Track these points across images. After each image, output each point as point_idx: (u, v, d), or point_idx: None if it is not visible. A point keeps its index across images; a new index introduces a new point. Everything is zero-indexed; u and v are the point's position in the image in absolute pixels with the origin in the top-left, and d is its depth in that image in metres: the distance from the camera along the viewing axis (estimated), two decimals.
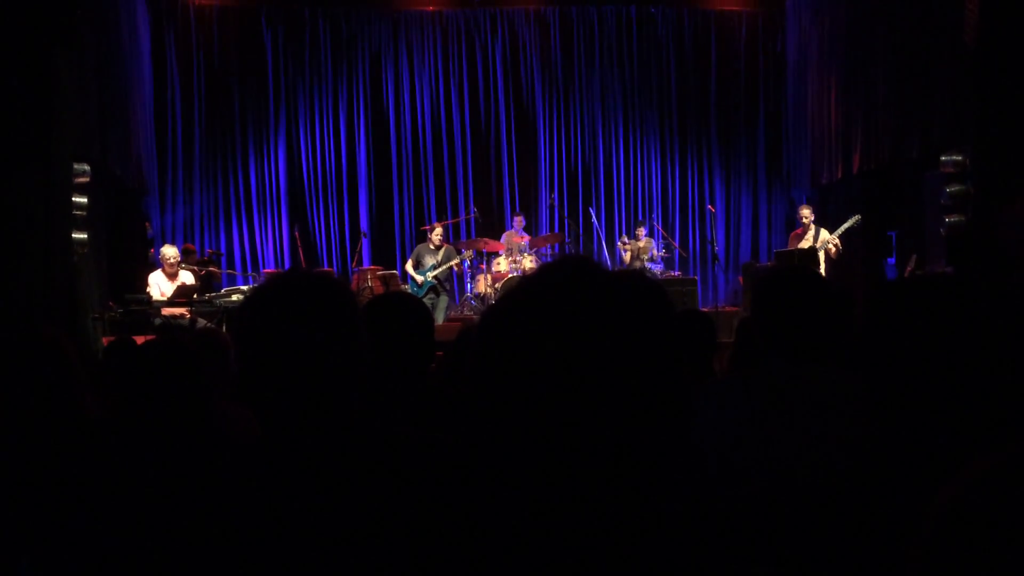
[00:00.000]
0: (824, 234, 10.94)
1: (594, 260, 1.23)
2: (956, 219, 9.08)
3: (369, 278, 11.56)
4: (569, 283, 1.14)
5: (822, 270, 10.42)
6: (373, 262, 13.87)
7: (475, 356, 1.18)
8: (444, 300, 11.97)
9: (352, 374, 1.65)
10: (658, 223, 14.24)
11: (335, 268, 13.86)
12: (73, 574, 2.25)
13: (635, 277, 1.17)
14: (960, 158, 9.09)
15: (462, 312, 12.42)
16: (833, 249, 10.82)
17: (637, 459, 1.11)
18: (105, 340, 8.23)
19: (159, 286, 10.00)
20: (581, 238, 13.99)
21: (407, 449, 1.61)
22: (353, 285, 12.39)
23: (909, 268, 10.05)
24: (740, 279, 13.47)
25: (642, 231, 13.05)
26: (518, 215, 13.26)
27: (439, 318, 11.33)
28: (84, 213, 8.63)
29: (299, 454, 1.59)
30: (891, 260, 11.35)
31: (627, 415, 1.09)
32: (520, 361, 1.11)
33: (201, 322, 9.33)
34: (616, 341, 1.09)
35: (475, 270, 12.77)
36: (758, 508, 2.04)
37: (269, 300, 1.65)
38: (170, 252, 10.21)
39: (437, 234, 12.08)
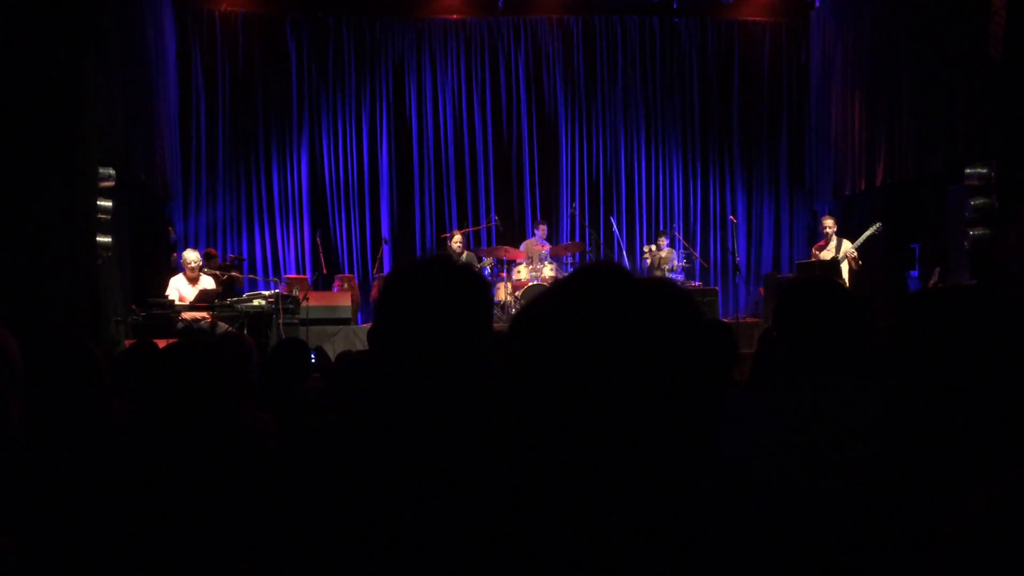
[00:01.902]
0: (846, 245, 10.88)
1: (626, 267, 1.22)
2: (980, 232, 9.02)
3: None
4: (601, 288, 1.14)
5: (845, 281, 10.36)
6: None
7: (505, 359, 1.18)
8: None
9: (478, 355, 1.70)
10: (679, 233, 14.19)
11: (355, 274, 13.89)
12: (94, 574, 2.26)
13: (666, 284, 1.18)
14: (985, 171, 9.05)
15: None
16: (852, 263, 10.75)
17: (664, 466, 1.10)
18: (127, 343, 8.28)
19: (179, 290, 10.05)
20: (602, 247, 13.96)
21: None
22: (373, 292, 12.45)
23: (932, 281, 10.00)
24: (761, 290, 13.42)
25: (664, 241, 13.01)
26: (540, 224, 13.25)
27: None
28: (108, 217, 8.70)
29: (409, 429, 1.61)
30: (914, 272, 11.28)
31: (656, 421, 1.09)
32: (550, 364, 1.11)
33: (222, 326, 9.38)
34: (647, 347, 1.09)
35: (495, 278, 12.77)
36: (778, 519, 2.03)
37: (422, 273, 1.72)
38: (192, 256, 10.27)
39: (456, 241, 12.11)
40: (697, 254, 14.13)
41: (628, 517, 1.10)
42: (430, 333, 1.64)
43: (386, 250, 13.91)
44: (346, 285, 12.47)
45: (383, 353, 1.69)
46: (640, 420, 1.08)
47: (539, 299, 1.20)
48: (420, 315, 1.65)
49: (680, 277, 12.74)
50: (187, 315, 9.57)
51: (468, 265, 1.77)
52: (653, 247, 13.07)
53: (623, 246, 13.88)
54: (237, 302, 10.07)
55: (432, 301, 1.65)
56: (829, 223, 11.32)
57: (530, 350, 1.14)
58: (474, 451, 1.57)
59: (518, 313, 1.23)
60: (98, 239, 8.43)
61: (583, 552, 1.09)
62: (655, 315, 1.12)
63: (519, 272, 12.40)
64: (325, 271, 13.17)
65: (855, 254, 10.74)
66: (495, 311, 12.14)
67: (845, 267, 10.78)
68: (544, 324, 1.15)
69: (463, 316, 1.67)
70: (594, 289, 1.14)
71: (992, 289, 1.61)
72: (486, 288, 1.75)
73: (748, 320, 12.65)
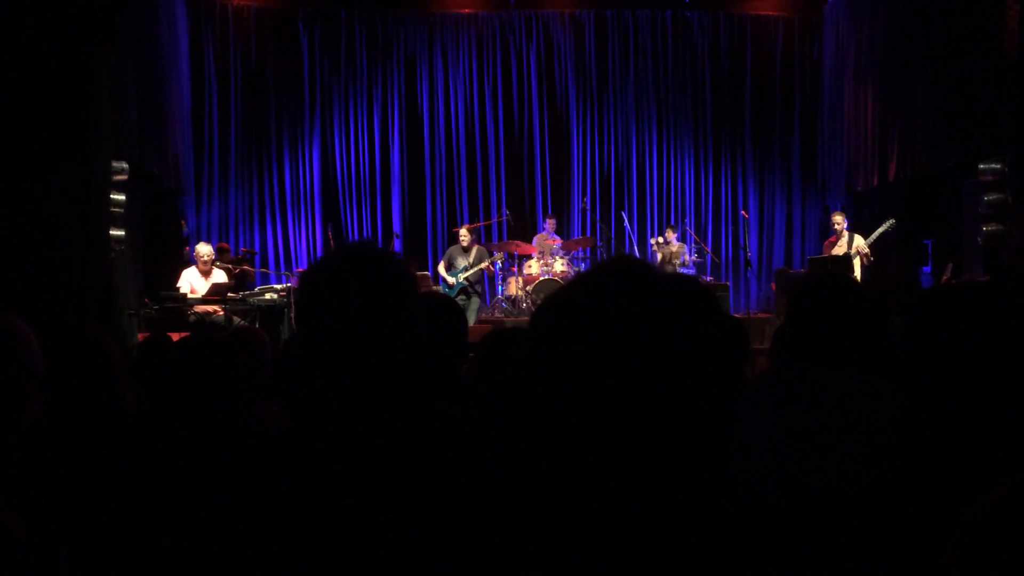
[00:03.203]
0: (859, 240, 10.83)
1: (648, 262, 1.22)
2: (994, 228, 8.99)
3: None
4: (624, 282, 1.14)
5: (857, 277, 10.31)
6: None
7: (525, 351, 1.18)
8: (475, 302, 11.99)
9: (406, 352, 1.61)
10: (691, 228, 14.17)
11: None
12: (109, 567, 2.28)
13: (687, 279, 1.18)
14: (999, 166, 9.01)
15: (493, 314, 12.43)
16: (864, 259, 10.69)
17: (685, 462, 1.11)
18: (140, 336, 8.31)
19: (191, 283, 10.07)
20: (613, 242, 13.95)
21: (464, 429, 1.58)
22: None
23: (945, 277, 9.95)
24: (773, 286, 13.38)
25: (672, 234, 12.96)
26: (550, 218, 13.24)
27: (470, 320, 11.33)
28: (121, 210, 8.73)
29: (350, 432, 1.56)
30: (927, 268, 11.24)
31: (677, 416, 1.09)
32: (571, 357, 1.11)
33: (236, 321, 9.41)
34: (669, 341, 1.09)
35: (506, 272, 12.77)
36: (789, 514, 2.03)
37: (332, 268, 1.62)
38: (205, 250, 10.29)
39: (464, 235, 12.10)
40: (708, 249, 14.10)
41: (647, 513, 1.10)
42: (347, 333, 1.56)
43: (397, 244, 13.92)
44: None
45: (308, 360, 1.62)
46: (661, 415, 1.08)
47: (561, 292, 1.20)
48: (333, 311, 1.56)
49: (691, 272, 12.70)
50: (200, 308, 9.60)
51: (382, 254, 1.65)
52: (660, 240, 13.04)
53: (634, 241, 13.86)
54: (249, 296, 10.10)
55: (343, 301, 1.56)
56: (838, 219, 11.25)
57: (551, 343, 1.14)
58: (439, 448, 1.54)
59: (539, 307, 1.23)
60: (111, 232, 8.45)
61: (596, 547, 1.10)
62: (677, 309, 1.12)
63: (530, 266, 12.40)
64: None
65: (867, 250, 10.69)
66: (506, 305, 12.15)
67: (857, 263, 10.73)
68: (566, 317, 1.15)
69: (379, 310, 1.57)
70: (616, 283, 1.14)
71: (1005, 285, 1.60)
72: (401, 274, 1.63)
73: (759, 316, 12.61)
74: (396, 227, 14.38)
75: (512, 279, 12.46)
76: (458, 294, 11.62)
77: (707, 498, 1.13)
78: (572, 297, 1.17)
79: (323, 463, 1.54)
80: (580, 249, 13.21)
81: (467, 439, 1.55)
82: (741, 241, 13.79)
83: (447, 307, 2.84)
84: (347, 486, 1.51)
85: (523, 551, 1.13)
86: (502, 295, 12.67)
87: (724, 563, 1.12)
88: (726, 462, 1.14)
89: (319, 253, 14.30)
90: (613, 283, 1.14)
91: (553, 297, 1.21)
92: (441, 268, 12.18)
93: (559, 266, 12.22)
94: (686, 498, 1.11)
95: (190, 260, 10.82)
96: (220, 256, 11.01)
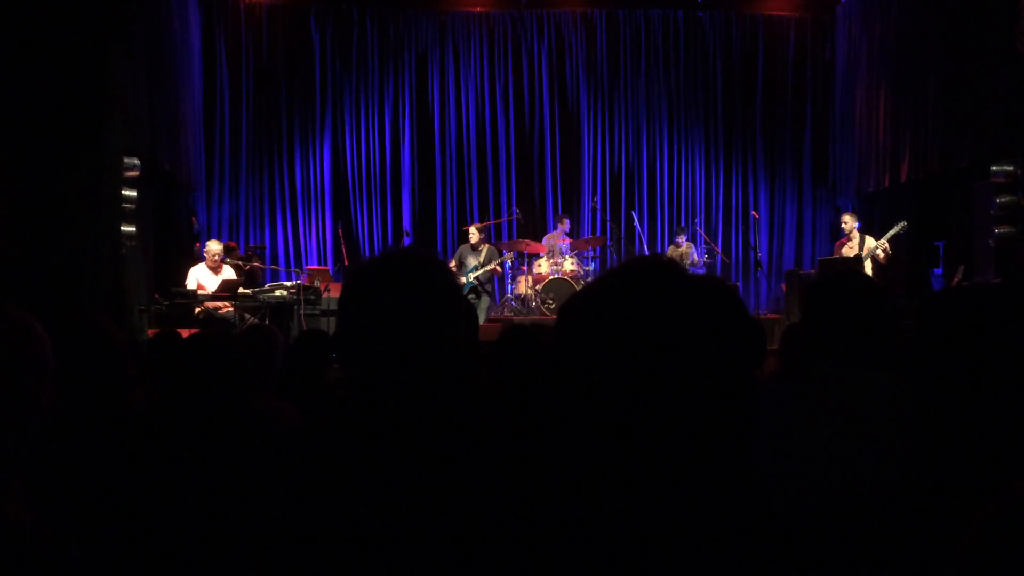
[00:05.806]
0: (870, 241, 10.75)
1: (676, 263, 1.22)
2: (1006, 230, 8.95)
3: None
4: (652, 280, 1.14)
5: None
6: None
7: (553, 344, 1.17)
8: (485, 301, 11.98)
9: (450, 361, 1.58)
10: (701, 228, 14.15)
11: None
12: (118, 561, 2.28)
13: (715, 280, 1.18)
14: (1011, 168, 8.97)
15: (503, 313, 12.43)
16: (882, 255, 10.56)
17: (707, 458, 1.11)
18: (150, 332, 8.34)
19: (199, 280, 10.08)
20: (623, 242, 13.93)
21: (500, 442, 1.55)
22: None
23: (956, 279, 9.91)
24: (783, 286, 13.35)
25: (682, 238, 12.94)
26: (562, 218, 13.17)
27: (480, 319, 11.34)
28: (133, 206, 8.75)
29: (383, 437, 1.53)
30: (938, 271, 11.18)
31: (701, 412, 1.09)
32: (600, 354, 1.11)
33: (248, 317, 9.43)
34: (698, 338, 1.10)
35: (516, 271, 12.76)
36: (803, 511, 2.03)
37: (382, 272, 1.58)
38: (215, 247, 10.31)
39: (474, 234, 12.10)
40: (719, 249, 14.07)
41: (669, 508, 1.10)
42: (396, 336, 1.52)
43: (407, 242, 13.92)
44: None
45: (350, 360, 1.58)
46: (686, 409, 1.09)
47: (590, 287, 1.20)
48: (384, 318, 1.52)
49: (701, 272, 12.66)
50: (209, 304, 9.62)
51: (431, 259, 1.62)
52: (671, 247, 13.02)
53: (644, 240, 13.84)
54: (259, 292, 10.11)
55: (394, 302, 1.52)
56: (847, 219, 11.14)
57: (579, 337, 1.14)
58: (476, 453, 1.52)
59: (567, 301, 1.22)
60: (122, 228, 8.48)
61: (612, 541, 1.10)
62: (705, 307, 1.12)
63: (540, 265, 12.39)
64: (347, 262, 13.20)
65: (886, 245, 10.50)
66: (515, 304, 12.15)
67: (869, 264, 10.66)
68: (595, 312, 1.15)
69: (429, 315, 1.53)
70: (646, 280, 1.14)
71: (1017, 288, 1.60)
72: (451, 282, 1.60)
73: (769, 316, 12.60)
74: (406, 225, 14.39)
75: (522, 278, 12.46)
76: (468, 293, 11.61)
77: (734, 492, 1.13)
78: (602, 292, 1.17)
79: (352, 466, 1.51)
80: (589, 248, 13.19)
81: (502, 450, 1.52)
82: (751, 241, 13.75)
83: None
84: (373, 491, 1.48)
85: (553, 555, 1.13)
86: (512, 294, 12.66)
87: (748, 556, 1.12)
88: (749, 457, 1.15)
89: (329, 250, 14.33)
90: (642, 280, 1.15)
91: (582, 292, 1.21)
92: (452, 267, 12.17)
93: (569, 265, 12.20)
94: (713, 492, 1.11)
95: (200, 257, 10.83)
96: (228, 254, 11.03)
